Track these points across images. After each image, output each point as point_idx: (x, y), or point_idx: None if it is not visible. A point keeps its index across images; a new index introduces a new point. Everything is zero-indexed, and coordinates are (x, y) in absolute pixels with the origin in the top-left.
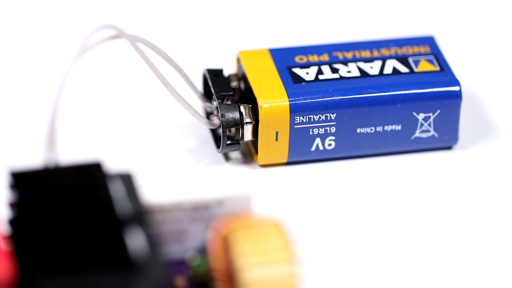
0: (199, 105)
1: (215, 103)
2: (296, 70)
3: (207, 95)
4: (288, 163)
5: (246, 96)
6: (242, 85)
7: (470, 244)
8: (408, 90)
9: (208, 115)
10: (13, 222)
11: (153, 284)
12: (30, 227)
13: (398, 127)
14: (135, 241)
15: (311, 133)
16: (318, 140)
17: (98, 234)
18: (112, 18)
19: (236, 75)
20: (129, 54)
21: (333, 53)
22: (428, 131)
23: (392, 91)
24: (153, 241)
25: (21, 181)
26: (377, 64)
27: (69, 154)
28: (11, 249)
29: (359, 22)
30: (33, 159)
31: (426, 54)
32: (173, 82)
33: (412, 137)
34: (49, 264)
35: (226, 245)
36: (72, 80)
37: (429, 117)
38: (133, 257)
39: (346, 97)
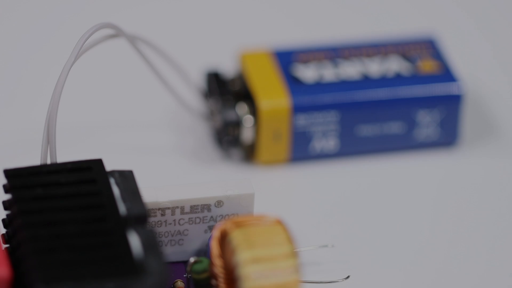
0: (199, 104)
1: (215, 102)
2: (297, 70)
3: (207, 94)
4: (289, 163)
5: (247, 95)
6: (243, 84)
7: (471, 244)
8: (410, 90)
9: (208, 114)
10: (8, 221)
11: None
12: (26, 227)
13: (400, 127)
14: (138, 243)
15: (311, 132)
16: (318, 140)
17: (100, 237)
18: (110, 17)
19: (236, 74)
20: (128, 53)
21: (334, 52)
22: (429, 131)
23: (394, 91)
24: (155, 242)
25: (18, 179)
26: (379, 64)
27: (68, 154)
28: (7, 248)
29: (360, 21)
30: (30, 159)
31: (428, 54)
32: (173, 82)
33: (414, 137)
34: (47, 271)
35: (226, 244)
36: (71, 80)
37: (431, 117)
38: (136, 260)
39: (347, 97)
